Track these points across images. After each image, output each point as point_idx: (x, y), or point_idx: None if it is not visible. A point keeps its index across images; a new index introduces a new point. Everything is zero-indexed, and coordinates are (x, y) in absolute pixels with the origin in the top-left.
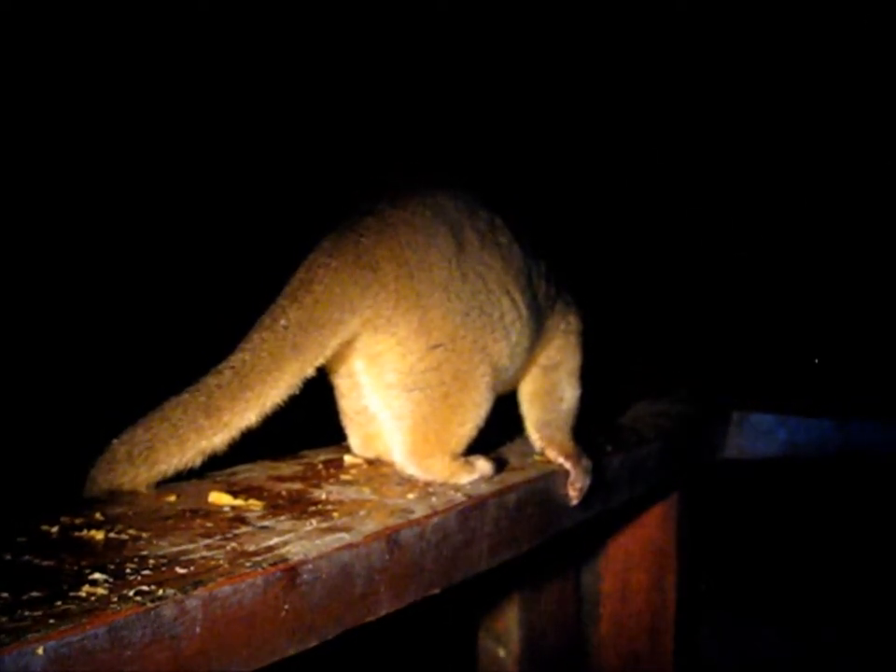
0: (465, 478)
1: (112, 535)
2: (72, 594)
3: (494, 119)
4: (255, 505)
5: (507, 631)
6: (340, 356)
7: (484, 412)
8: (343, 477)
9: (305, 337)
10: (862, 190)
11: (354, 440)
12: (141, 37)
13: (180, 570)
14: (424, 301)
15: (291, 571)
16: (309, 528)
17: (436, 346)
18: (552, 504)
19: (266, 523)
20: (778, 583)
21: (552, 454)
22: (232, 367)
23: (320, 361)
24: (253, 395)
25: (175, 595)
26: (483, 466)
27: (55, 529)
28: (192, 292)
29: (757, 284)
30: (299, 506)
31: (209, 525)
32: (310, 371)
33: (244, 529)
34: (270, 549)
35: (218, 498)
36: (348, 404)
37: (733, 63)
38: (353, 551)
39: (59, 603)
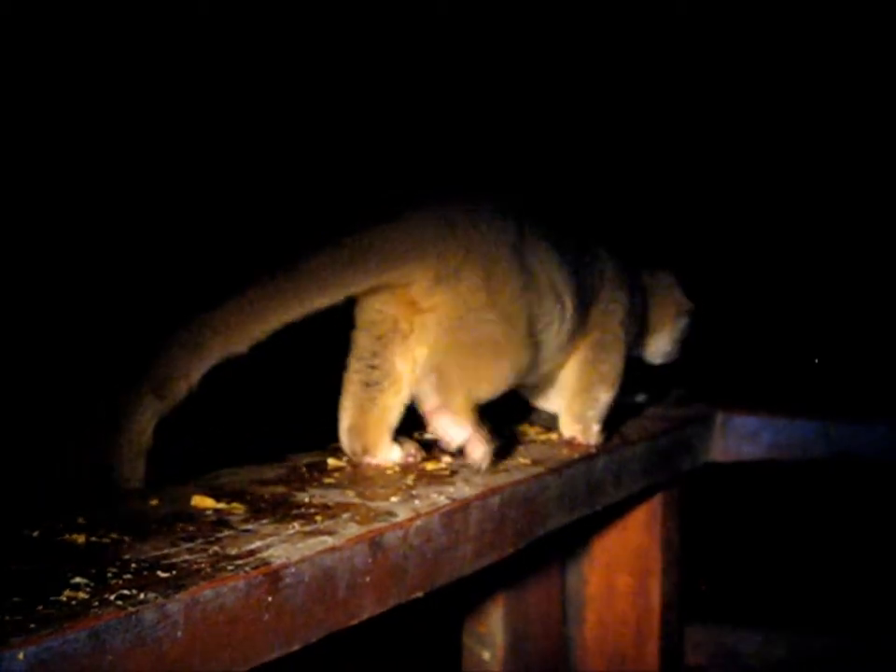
0: (469, 429)
1: (94, 538)
2: (53, 598)
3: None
4: (237, 508)
5: (491, 633)
6: (385, 305)
7: (513, 377)
8: (327, 480)
9: (364, 256)
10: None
11: (345, 422)
12: (141, 37)
13: (162, 574)
14: (490, 266)
15: (273, 575)
16: (291, 532)
17: (489, 310)
18: (536, 507)
19: (249, 526)
20: (765, 586)
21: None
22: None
23: (366, 286)
24: (299, 287)
25: (156, 598)
26: (486, 437)
27: (36, 533)
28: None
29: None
30: (281, 509)
31: (191, 528)
32: (353, 290)
33: (226, 533)
34: (252, 552)
35: (201, 502)
36: (363, 371)
37: (733, 71)
38: (335, 554)
39: (40, 607)
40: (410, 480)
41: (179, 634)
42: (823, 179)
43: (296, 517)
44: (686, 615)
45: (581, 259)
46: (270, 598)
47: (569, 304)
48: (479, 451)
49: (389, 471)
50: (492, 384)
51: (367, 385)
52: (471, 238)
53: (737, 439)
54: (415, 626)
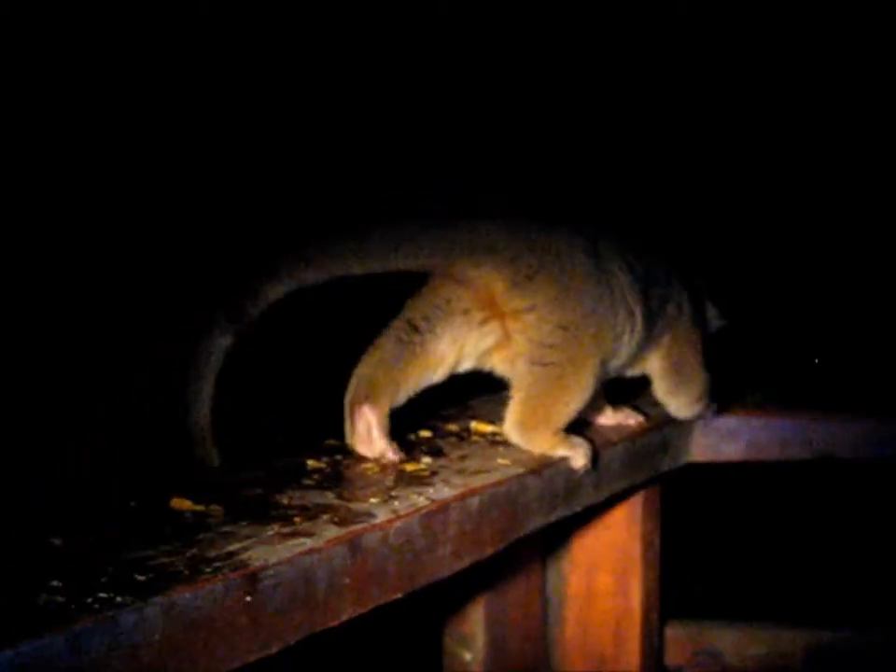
0: (562, 451)
1: (71, 541)
2: (29, 601)
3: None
4: (216, 510)
5: (472, 634)
6: (467, 292)
7: (588, 396)
8: (306, 482)
9: (444, 239)
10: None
11: (361, 367)
12: (139, 37)
13: (139, 577)
14: (566, 279)
15: (252, 577)
16: (270, 533)
17: (566, 326)
18: (516, 507)
19: (227, 528)
20: (745, 586)
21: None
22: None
23: (438, 264)
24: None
25: (134, 602)
26: (580, 443)
27: (13, 535)
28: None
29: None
30: (260, 511)
31: (169, 530)
32: (425, 264)
33: (204, 535)
34: (230, 554)
35: (180, 503)
36: (404, 328)
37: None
38: (314, 555)
39: (16, 611)
40: (389, 481)
41: (157, 637)
42: (822, 181)
43: (275, 519)
44: (666, 613)
45: (649, 271)
46: (248, 600)
47: (639, 316)
48: (577, 462)
49: (369, 472)
50: (571, 410)
51: (400, 340)
52: (547, 250)
53: (716, 438)
54: (396, 627)
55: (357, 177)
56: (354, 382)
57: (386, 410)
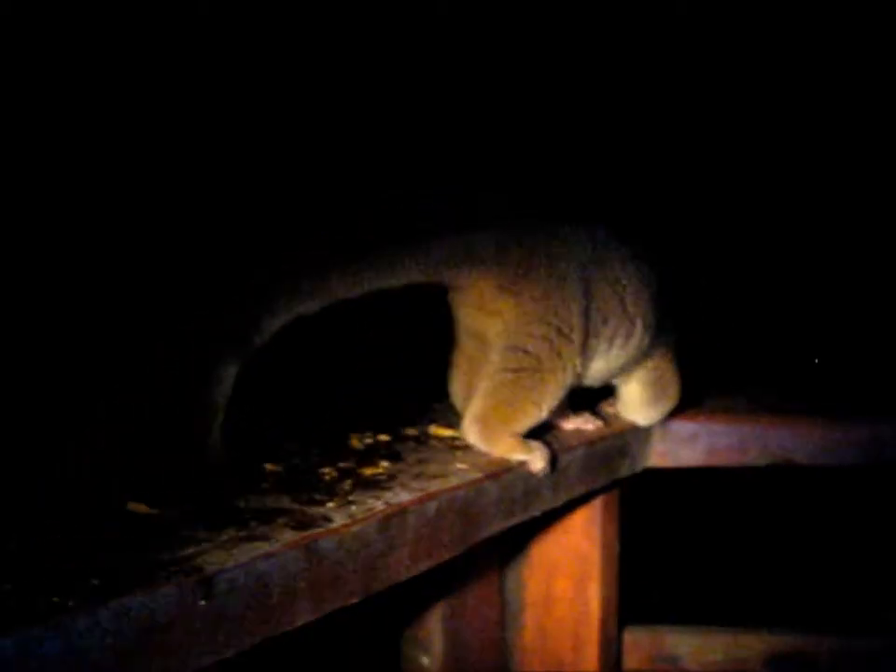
0: (520, 455)
1: (23, 543)
2: None
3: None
4: (172, 514)
5: (430, 638)
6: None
7: (556, 403)
8: (263, 485)
9: (434, 253)
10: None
11: (453, 382)
12: (138, 37)
13: (93, 581)
14: (551, 285)
15: (207, 581)
16: (226, 538)
17: (543, 330)
18: (473, 512)
19: (182, 532)
20: (704, 591)
21: None
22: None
23: (431, 279)
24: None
25: (86, 606)
26: (538, 447)
27: None
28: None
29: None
30: (216, 515)
31: (124, 533)
32: (419, 280)
33: (159, 539)
34: (185, 559)
35: (135, 507)
36: (460, 358)
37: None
38: (270, 560)
39: None
40: (347, 485)
41: (109, 641)
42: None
43: (231, 523)
44: (625, 618)
45: (661, 282)
46: (203, 605)
47: (639, 325)
48: (536, 466)
49: (327, 476)
50: (535, 416)
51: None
52: (537, 255)
53: (675, 444)
54: (354, 632)
55: (357, 177)
56: (452, 390)
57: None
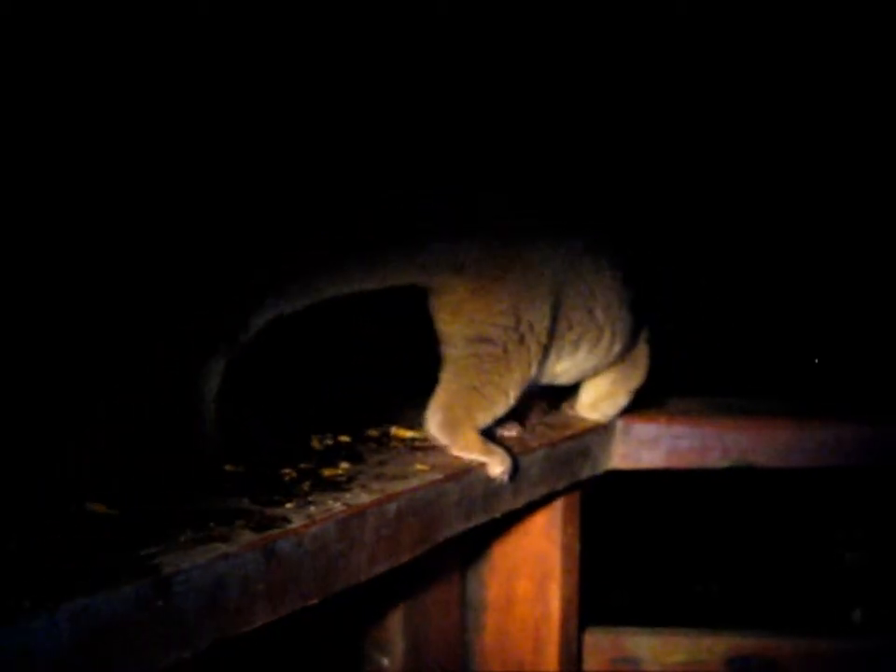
0: (480, 456)
1: None
2: None
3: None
4: (130, 514)
5: (390, 640)
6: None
7: (513, 400)
8: (222, 486)
9: (413, 257)
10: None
11: None
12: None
13: (49, 582)
14: (523, 288)
15: (164, 582)
16: (184, 538)
17: (510, 322)
18: (433, 513)
19: (141, 532)
20: (664, 592)
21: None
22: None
23: (409, 281)
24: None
25: (42, 606)
26: (498, 451)
27: None
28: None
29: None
30: (175, 515)
31: (82, 534)
32: (397, 282)
33: (117, 539)
34: (143, 559)
35: (94, 507)
36: None
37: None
38: (228, 561)
39: None
40: (306, 486)
41: (65, 643)
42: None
43: (189, 523)
44: (585, 620)
45: (638, 287)
46: (160, 606)
47: (608, 333)
48: (494, 470)
49: (286, 477)
50: (495, 410)
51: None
52: (515, 264)
53: (637, 446)
54: (314, 632)
55: (357, 177)
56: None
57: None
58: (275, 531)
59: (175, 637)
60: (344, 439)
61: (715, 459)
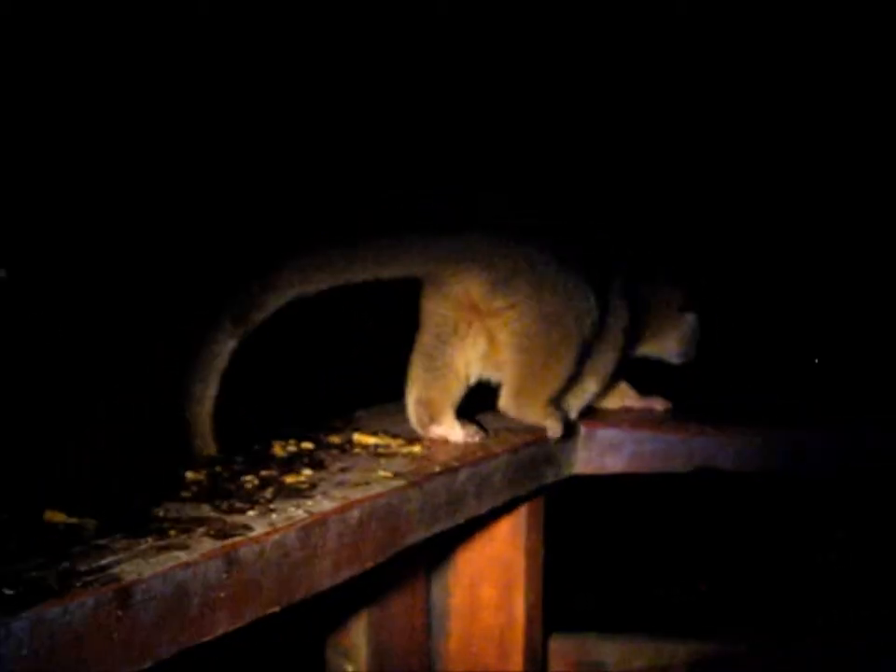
0: (550, 422)
1: None
2: None
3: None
4: (90, 522)
5: (354, 647)
6: (449, 311)
7: (572, 370)
8: (183, 494)
9: (427, 249)
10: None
11: (412, 395)
12: (139, 38)
13: (7, 591)
14: (538, 280)
15: (124, 591)
16: (144, 547)
17: (546, 316)
18: (396, 520)
19: (100, 541)
20: (629, 598)
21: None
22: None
23: (423, 272)
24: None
25: (0, 616)
26: (559, 417)
27: None
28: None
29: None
30: (135, 523)
31: (41, 543)
32: (412, 273)
33: (77, 548)
34: (103, 568)
35: (53, 516)
36: (425, 361)
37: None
38: (189, 569)
39: None
40: (268, 493)
41: (24, 652)
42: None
43: (149, 532)
44: (550, 626)
45: (596, 268)
46: (120, 615)
47: (620, 315)
48: (551, 433)
49: (248, 485)
50: (557, 383)
51: (427, 370)
52: (520, 258)
53: (600, 451)
54: (278, 639)
55: (358, 176)
56: (412, 410)
57: (451, 416)
58: (237, 539)
59: (135, 647)
60: (307, 446)
61: (679, 464)
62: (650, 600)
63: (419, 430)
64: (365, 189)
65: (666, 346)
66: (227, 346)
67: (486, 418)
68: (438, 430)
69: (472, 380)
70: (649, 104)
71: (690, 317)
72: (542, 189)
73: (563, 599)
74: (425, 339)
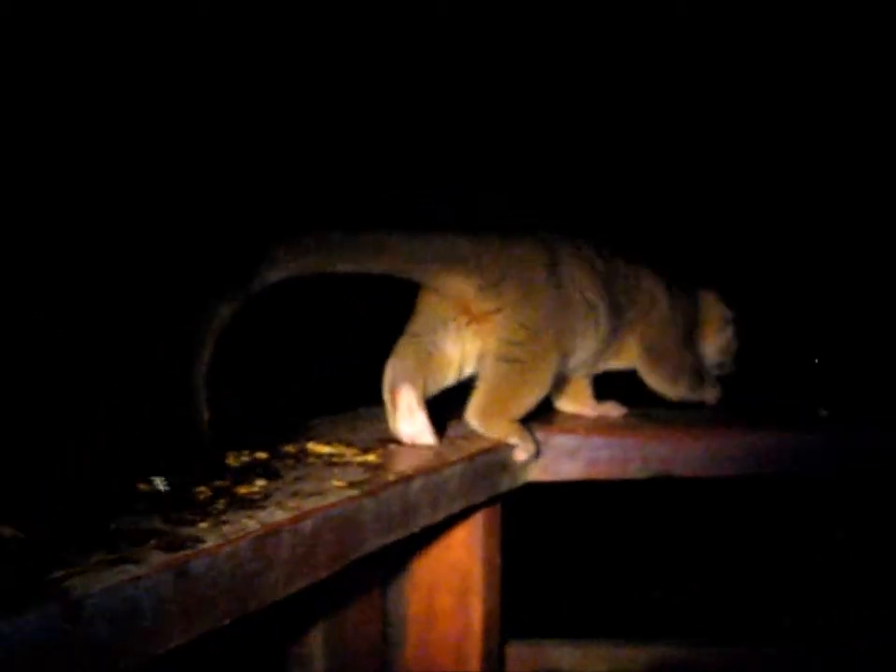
0: (514, 440)
1: None
2: None
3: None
4: (39, 536)
5: (311, 655)
6: (446, 301)
7: (546, 391)
8: (135, 506)
9: (416, 252)
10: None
11: (393, 360)
12: (141, 35)
13: None
14: (526, 286)
15: (74, 606)
16: (94, 560)
17: (528, 325)
18: (350, 530)
19: (49, 555)
20: (586, 603)
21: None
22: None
23: (410, 275)
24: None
25: None
26: (530, 438)
27: None
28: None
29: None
30: (86, 537)
31: None
32: (400, 274)
33: (25, 562)
34: (52, 583)
35: (2, 530)
36: (415, 343)
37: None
38: (140, 583)
39: None
40: (220, 505)
41: None
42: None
43: (100, 545)
44: (507, 632)
45: (617, 273)
46: (69, 630)
47: (603, 309)
48: (522, 455)
49: (201, 496)
50: (529, 403)
51: (417, 352)
52: (510, 260)
53: (556, 458)
54: (233, 650)
55: (360, 176)
56: (389, 372)
57: (422, 393)
58: (188, 552)
59: (86, 663)
60: (261, 455)
61: (635, 470)
62: (613, 605)
63: (386, 395)
64: (370, 186)
65: (707, 355)
66: (223, 313)
67: (442, 425)
68: (399, 404)
69: (464, 373)
70: (648, 107)
71: (730, 325)
72: (542, 191)
73: (520, 606)
74: (418, 321)
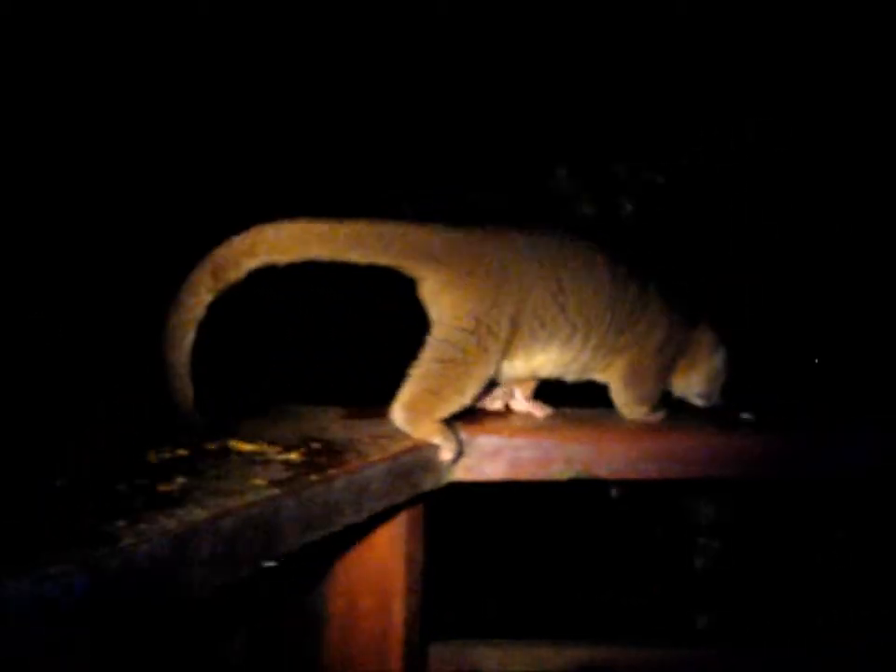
0: (437, 440)
1: None
2: None
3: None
4: None
5: (234, 656)
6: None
7: (474, 395)
8: (52, 503)
9: (393, 242)
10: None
11: None
12: (140, 37)
13: None
14: (490, 286)
15: None
16: (8, 559)
17: (472, 325)
18: (270, 528)
19: None
20: (508, 604)
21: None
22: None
23: (386, 263)
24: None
25: None
26: (454, 439)
27: None
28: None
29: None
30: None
31: None
32: (377, 262)
33: None
34: None
35: None
36: None
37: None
38: (55, 582)
39: None
40: (139, 502)
41: None
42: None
43: (14, 543)
44: (429, 633)
45: (626, 297)
46: None
47: (583, 330)
48: (444, 455)
49: (118, 493)
50: (456, 404)
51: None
52: (486, 259)
53: (479, 458)
54: (154, 652)
55: (360, 176)
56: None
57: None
58: (104, 549)
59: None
60: (182, 452)
61: (557, 471)
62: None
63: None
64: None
65: (689, 383)
66: (204, 298)
67: (361, 423)
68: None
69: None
70: (648, 107)
71: (718, 355)
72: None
73: (445, 607)
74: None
